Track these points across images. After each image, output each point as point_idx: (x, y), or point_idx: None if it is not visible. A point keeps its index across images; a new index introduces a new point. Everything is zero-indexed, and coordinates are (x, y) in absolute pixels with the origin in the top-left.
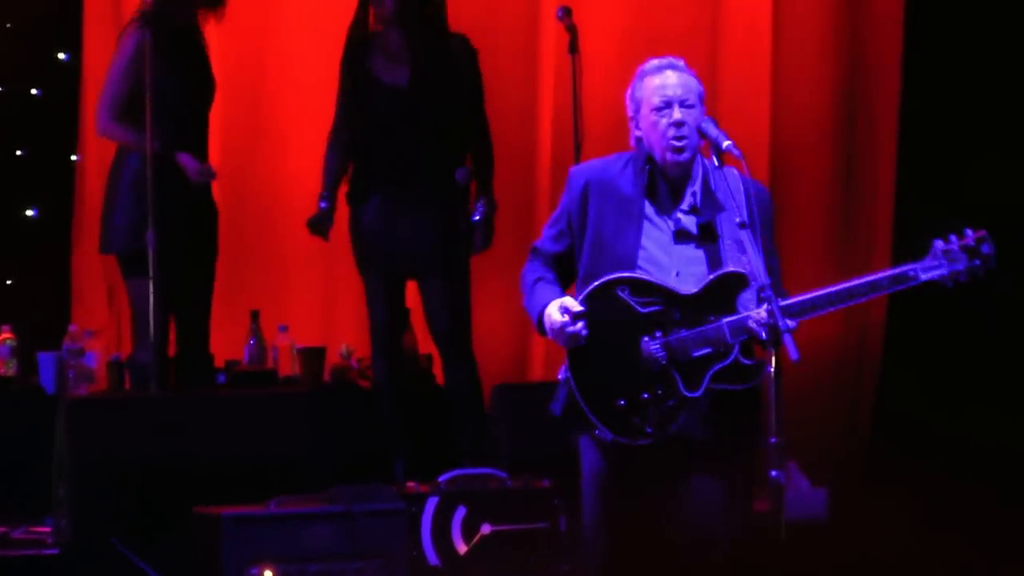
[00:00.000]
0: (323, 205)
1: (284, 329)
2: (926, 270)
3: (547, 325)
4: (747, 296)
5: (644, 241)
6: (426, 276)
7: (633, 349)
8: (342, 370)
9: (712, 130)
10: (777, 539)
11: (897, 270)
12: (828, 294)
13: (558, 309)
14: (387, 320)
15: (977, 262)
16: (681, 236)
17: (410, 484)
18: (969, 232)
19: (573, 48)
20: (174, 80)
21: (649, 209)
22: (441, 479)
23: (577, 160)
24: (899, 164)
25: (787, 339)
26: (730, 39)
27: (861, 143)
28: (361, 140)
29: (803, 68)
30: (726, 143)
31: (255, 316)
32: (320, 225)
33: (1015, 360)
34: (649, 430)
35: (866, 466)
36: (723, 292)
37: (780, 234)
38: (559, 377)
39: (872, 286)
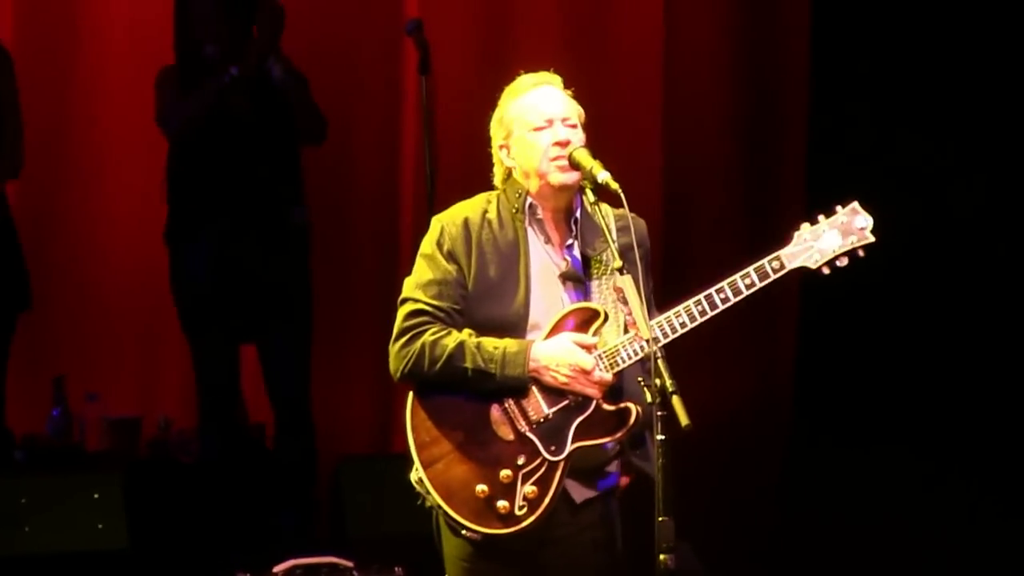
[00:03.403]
0: (233, 71)
1: (93, 397)
2: (793, 256)
3: (552, 369)
4: (607, 331)
5: (533, 290)
6: (269, 334)
7: (484, 423)
8: (160, 444)
9: (587, 159)
10: None
11: (760, 261)
12: (695, 302)
13: (575, 350)
14: (220, 385)
15: (852, 238)
16: (569, 278)
17: (240, 575)
18: (838, 207)
19: (424, 68)
20: None
21: (533, 252)
22: (277, 569)
23: (431, 199)
24: (808, 182)
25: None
26: (617, 55)
27: (765, 158)
28: (193, 168)
29: (698, 83)
30: (602, 174)
31: (59, 382)
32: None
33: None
34: (520, 512)
35: (772, 546)
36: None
37: (681, 265)
38: (412, 480)
39: (733, 288)
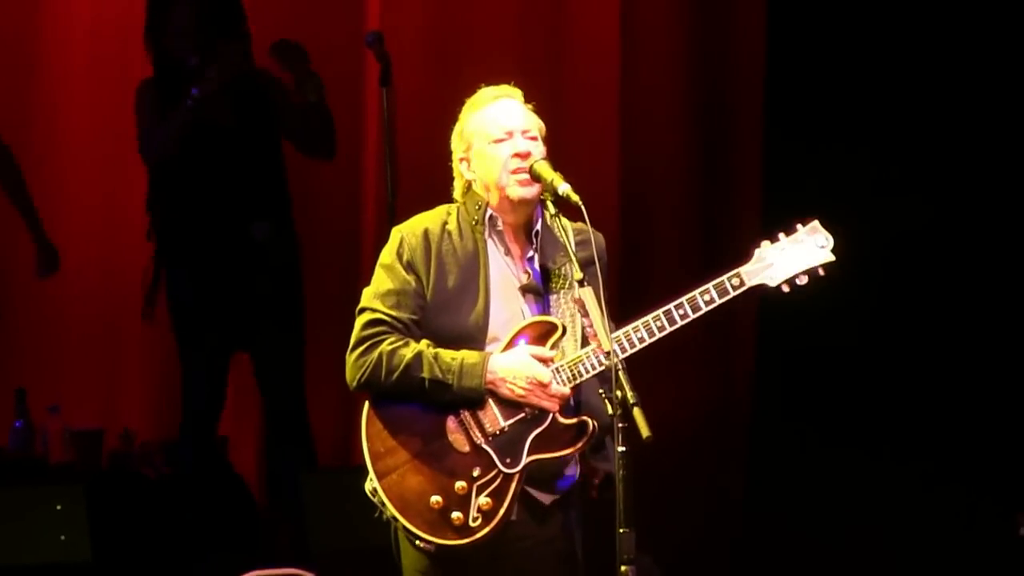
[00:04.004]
0: (194, 92)
1: (55, 409)
2: (752, 274)
3: (509, 381)
4: (565, 345)
5: (493, 302)
6: (260, 346)
7: (439, 434)
8: (122, 457)
9: (547, 172)
10: None
11: (720, 278)
12: (653, 317)
13: (533, 363)
14: (206, 402)
15: (812, 257)
16: (530, 291)
17: None
18: (798, 225)
19: (385, 80)
20: None
21: (493, 264)
22: None
23: (392, 210)
24: (764, 194)
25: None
26: (574, 70)
27: (721, 170)
28: (176, 184)
29: (654, 97)
30: (563, 186)
31: (21, 395)
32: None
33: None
34: (474, 524)
35: (734, 556)
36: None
37: (638, 276)
38: (367, 490)
39: (692, 304)
